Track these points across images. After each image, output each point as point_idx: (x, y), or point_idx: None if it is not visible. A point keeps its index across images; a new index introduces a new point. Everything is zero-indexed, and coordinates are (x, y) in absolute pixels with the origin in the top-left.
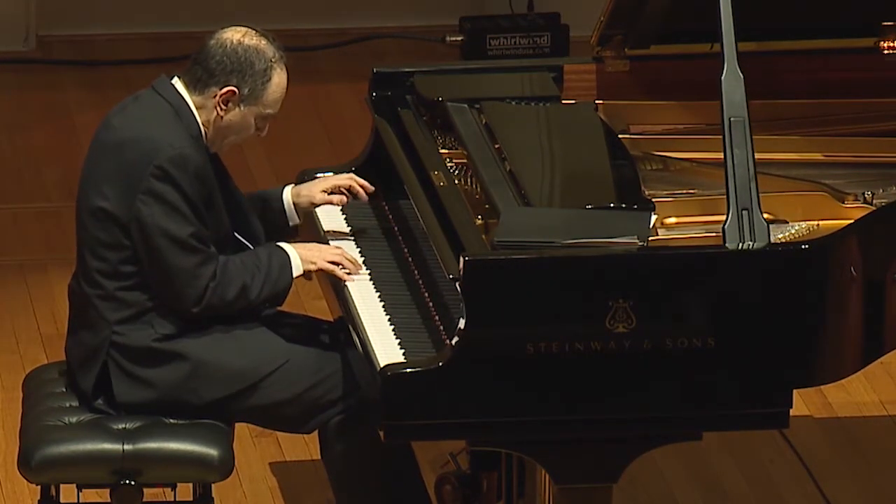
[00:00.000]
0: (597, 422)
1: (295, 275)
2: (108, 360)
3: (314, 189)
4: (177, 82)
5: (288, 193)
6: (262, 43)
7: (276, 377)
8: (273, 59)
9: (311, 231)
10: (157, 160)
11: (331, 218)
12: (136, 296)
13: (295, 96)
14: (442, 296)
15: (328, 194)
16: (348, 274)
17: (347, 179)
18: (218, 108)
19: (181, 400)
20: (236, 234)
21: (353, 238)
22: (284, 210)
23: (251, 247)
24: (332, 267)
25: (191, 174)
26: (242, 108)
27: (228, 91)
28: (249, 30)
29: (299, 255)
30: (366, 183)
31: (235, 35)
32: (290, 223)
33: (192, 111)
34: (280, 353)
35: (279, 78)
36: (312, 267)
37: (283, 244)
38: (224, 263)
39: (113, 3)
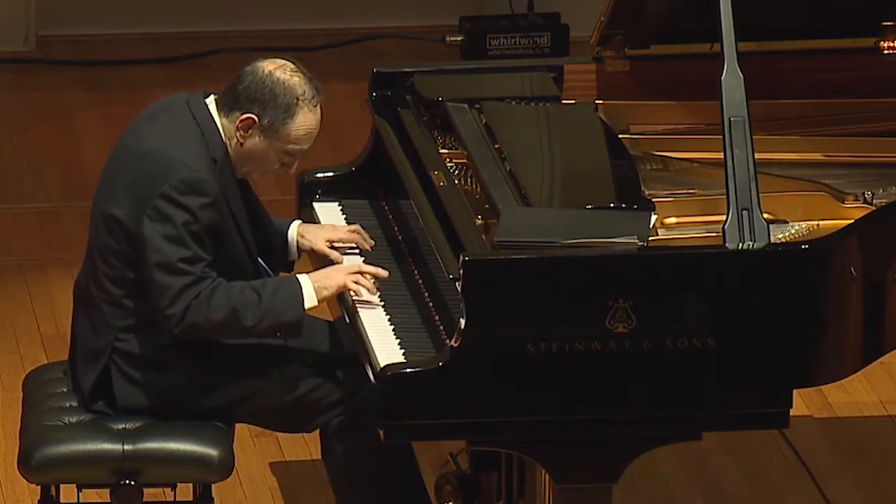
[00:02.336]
0: (597, 422)
1: (307, 306)
2: (111, 363)
3: (319, 235)
4: (211, 102)
5: (294, 230)
6: (295, 79)
7: (276, 381)
8: (301, 97)
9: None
10: (171, 180)
11: (331, 218)
12: (141, 304)
13: None
14: (442, 296)
15: (329, 246)
16: (367, 290)
17: (354, 235)
18: (238, 135)
19: (182, 405)
20: (259, 260)
21: None
22: (287, 244)
23: (270, 272)
24: (347, 287)
25: (202, 200)
26: (262, 138)
27: (248, 118)
28: (288, 63)
29: (313, 287)
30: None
31: (269, 66)
32: (289, 258)
33: (219, 133)
34: (280, 357)
35: (305, 117)
36: (326, 294)
37: (300, 276)
38: (215, 286)
39: (113, 3)
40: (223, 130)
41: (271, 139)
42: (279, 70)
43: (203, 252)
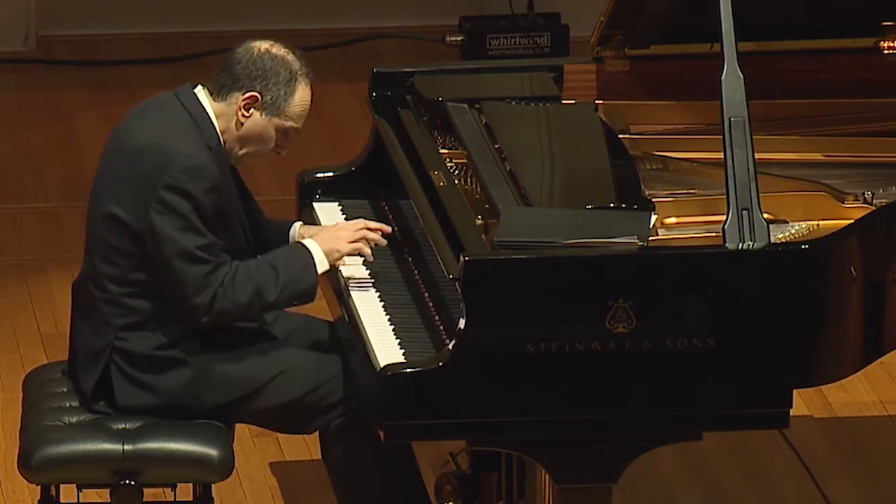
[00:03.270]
0: (597, 422)
1: (320, 271)
2: (111, 363)
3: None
4: (200, 91)
5: (295, 231)
6: (290, 56)
7: (277, 381)
8: (298, 72)
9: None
10: (172, 170)
11: (331, 218)
12: (142, 303)
13: None
14: (442, 296)
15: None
16: (374, 246)
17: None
18: (239, 114)
19: (183, 405)
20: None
21: None
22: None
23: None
24: (356, 247)
25: (205, 185)
26: (263, 116)
27: (251, 96)
28: (277, 42)
29: (322, 251)
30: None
31: (263, 45)
32: None
33: (212, 122)
34: (281, 357)
35: (303, 93)
36: (337, 255)
37: (307, 241)
38: (236, 268)
39: (113, 3)
40: (217, 117)
41: (272, 116)
42: (274, 48)
43: (215, 237)
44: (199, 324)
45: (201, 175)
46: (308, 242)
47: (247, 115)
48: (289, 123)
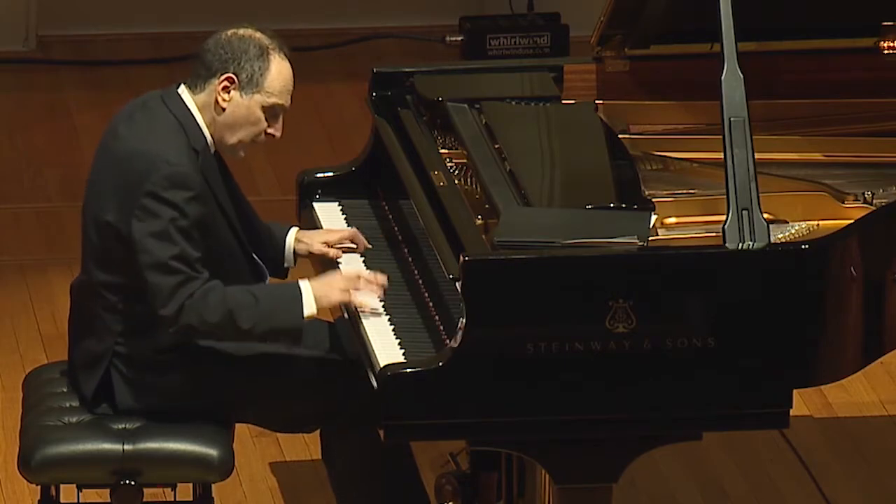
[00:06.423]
0: (597, 422)
1: (307, 313)
2: (111, 367)
3: (315, 238)
4: (183, 91)
5: (291, 237)
6: (257, 34)
7: (277, 381)
8: (269, 46)
9: (310, 229)
10: (153, 177)
11: (331, 218)
12: (139, 308)
13: (295, 96)
14: (442, 296)
15: (327, 247)
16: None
17: (350, 235)
18: (219, 99)
19: (184, 405)
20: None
21: None
22: (283, 251)
23: (258, 260)
24: (348, 298)
25: (187, 194)
26: (244, 96)
27: (227, 78)
28: (244, 25)
29: (314, 294)
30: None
31: (229, 30)
32: (285, 265)
33: (196, 121)
34: (281, 357)
35: (279, 66)
36: (326, 302)
37: (301, 282)
38: (212, 286)
39: (113, 3)
40: (201, 112)
41: (252, 94)
42: (241, 30)
43: (192, 249)
44: (169, 334)
45: (183, 183)
46: (301, 283)
47: (227, 98)
48: (272, 100)
